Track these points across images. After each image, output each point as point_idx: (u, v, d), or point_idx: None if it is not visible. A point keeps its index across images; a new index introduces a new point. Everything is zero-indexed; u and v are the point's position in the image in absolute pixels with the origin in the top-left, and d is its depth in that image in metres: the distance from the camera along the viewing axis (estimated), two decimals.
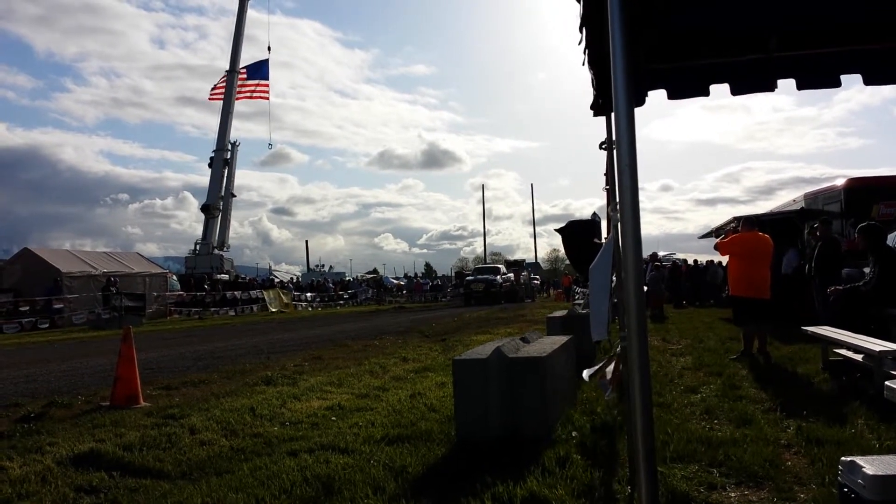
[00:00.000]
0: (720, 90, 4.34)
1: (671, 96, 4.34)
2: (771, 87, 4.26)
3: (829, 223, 10.74)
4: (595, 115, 4.40)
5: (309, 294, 40.75)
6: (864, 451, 4.00)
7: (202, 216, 45.37)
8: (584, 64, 3.64)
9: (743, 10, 3.76)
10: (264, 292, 35.27)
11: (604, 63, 2.67)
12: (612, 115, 2.41)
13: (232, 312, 31.02)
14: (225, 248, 45.79)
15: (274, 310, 33.13)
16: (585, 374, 4.19)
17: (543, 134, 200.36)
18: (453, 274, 63.28)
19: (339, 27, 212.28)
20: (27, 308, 23.22)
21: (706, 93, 4.34)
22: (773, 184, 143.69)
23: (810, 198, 15.45)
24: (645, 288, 2.91)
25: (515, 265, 50.50)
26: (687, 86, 4.36)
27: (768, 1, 3.69)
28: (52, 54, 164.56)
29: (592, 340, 4.63)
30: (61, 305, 23.84)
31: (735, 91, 4.30)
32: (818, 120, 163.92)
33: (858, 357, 6.28)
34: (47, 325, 22.67)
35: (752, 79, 4.25)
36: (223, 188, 45.71)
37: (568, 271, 47.49)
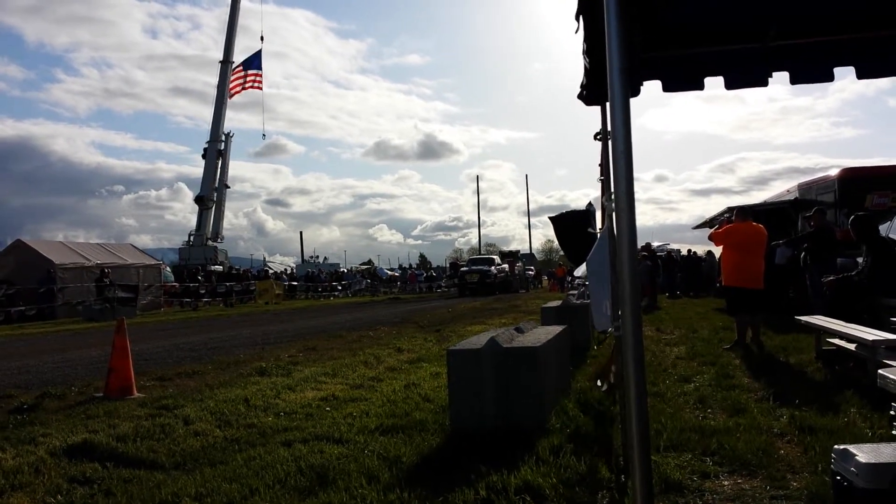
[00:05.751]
0: (714, 83, 4.35)
1: (666, 89, 4.33)
2: (765, 82, 4.25)
3: (823, 213, 10.74)
4: (587, 104, 4.37)
5: (295, 282, 40.81)
6: (857, 440, 4.02)
7: (196, 207, 45.32)
8: (583, 53, 3.61)
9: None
10: (256, 283, 35.27)
11: (599, 51, 2.64)
12: (608, 104, 2.39)
13: (223, 304, 30.99)
14: (219, 240, 45.82)
15: (265, 301, 33.10)
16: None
17: (540, 124, 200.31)
18: (448, 265, 63.15)
19: (333, 16, 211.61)
20: (20, 299, 23.14)
21: (701, 86, 4.33)
22: (767, 174, 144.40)
23: (804, 188, 15.43)
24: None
25: (510, 256, 50.51)
26: (682, 78, 4.34)
27: None
28: (44, 44, 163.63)
29: (597, 330, 4.64)
30: (41, 290, 23.78)
31: (729, 85, 4.29)
32: (813, 110, 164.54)
33: (851, 346, 6.31)
34: (34, 312, 22.67)
35: (746, 71, 4.23)
36: (217, 179, 45.65)
37: (562, 262, 47.50)
